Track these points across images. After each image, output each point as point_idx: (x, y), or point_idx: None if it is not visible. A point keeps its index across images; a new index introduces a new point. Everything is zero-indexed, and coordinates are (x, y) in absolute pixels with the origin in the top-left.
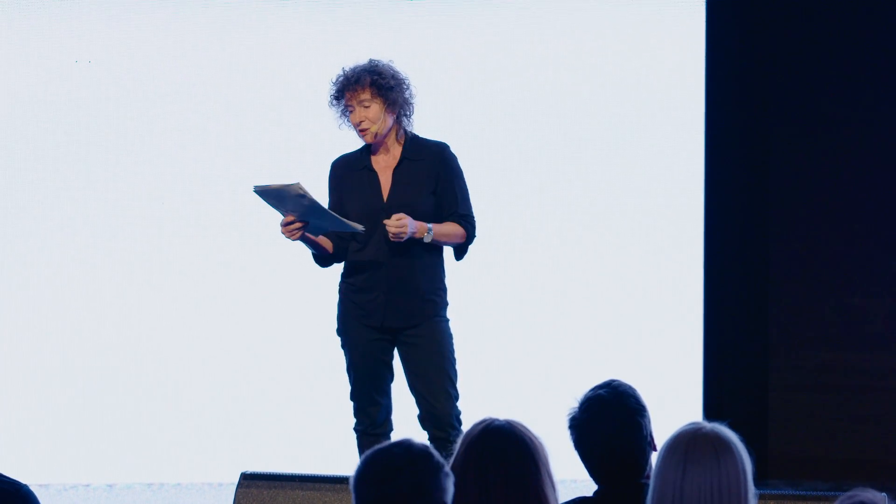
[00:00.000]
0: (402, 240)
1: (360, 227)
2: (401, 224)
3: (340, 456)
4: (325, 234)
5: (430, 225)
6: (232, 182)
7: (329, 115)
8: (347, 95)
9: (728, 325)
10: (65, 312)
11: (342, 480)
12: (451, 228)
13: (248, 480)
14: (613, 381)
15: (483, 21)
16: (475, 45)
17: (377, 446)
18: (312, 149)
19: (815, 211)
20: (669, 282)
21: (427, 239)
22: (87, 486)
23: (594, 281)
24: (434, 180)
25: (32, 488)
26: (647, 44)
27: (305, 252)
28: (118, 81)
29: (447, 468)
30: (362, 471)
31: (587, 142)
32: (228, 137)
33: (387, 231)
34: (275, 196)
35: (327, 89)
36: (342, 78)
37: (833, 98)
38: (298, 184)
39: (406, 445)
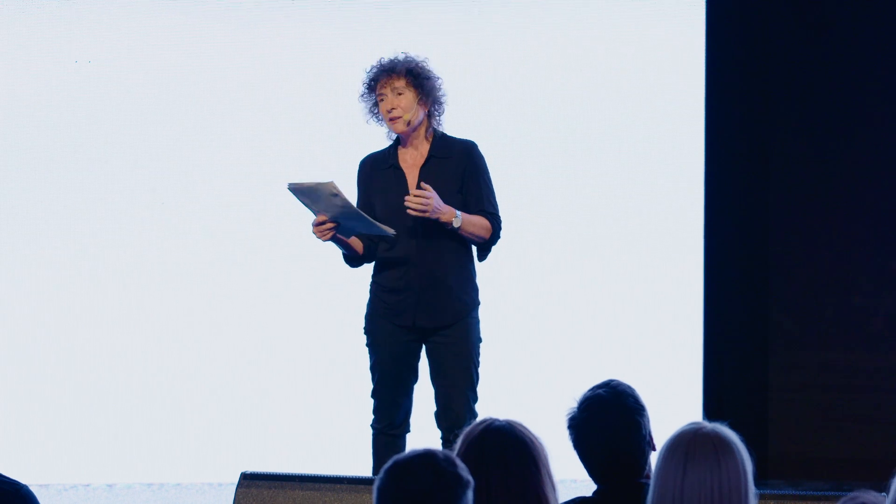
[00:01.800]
0: (427, 216)
1: (391, 230)
2: (425, 201)
3: (341, 456)
4: (357, 235)
5: (459, 211)
6: (232, 183)
7: (328, 115)
8: (381, 83)
9: (728, 325)
10: (65, 312)
11: (342, 480)
12: (480, 221)
13: (248, 480)
14: (612, 380)
15: (482, 21)
16: (474, 44)
17: (404, 458)
18: (313, 149)
19: (815, 211)
20: (669, 282)
21: (456, 224)
22: (87, 486)
23: (594, 281)
24: (461, 178)
25: (32, 488)
26: (647, 44)
27: (305, 253)
28: (118, 81)
29: (469, 479)
30: (388, 484)
31: (587, 142)
32: (229, 138)
33: (417, 228)
34: (308, 194)
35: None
36: (377, 66)
37: (833, 98)
38: (332, 182)
39: (433, 463)
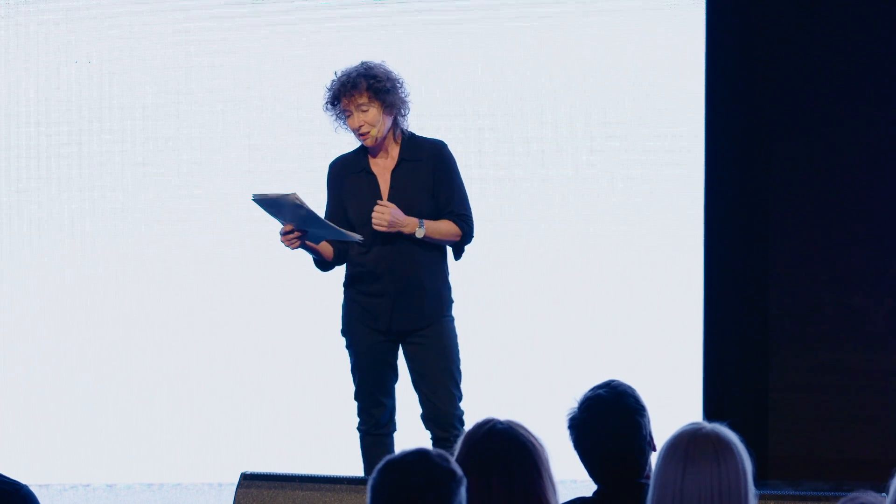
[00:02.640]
0: (390, 230)
1: (358, 236)
2: (380, 217)
3: (340, 456)
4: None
5: (421, 220)
6: (232, 183)
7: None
8: (344, 101)
9: (728, 325)
10: (65, 313)
11: (342, 480)
12: (446, 227)
13: (248, 480)
14: (613, 381)
15: (481, 21)
16: (473, 44)
17: (397, 457)
18: (314, 149)
19: (815, 211)
20: (669, 282)
21: (419, 234)
22: (87, 486)
23: (594, 281)
24: (431, 179)
25: (32, 488)
26: (647, 43)
27: (304, 254)
28: (118, 81)
29: (461, 475)
30: (382, 483)
31: (587, 141)
32: (229, 138)
33: (390, 232)
34: (273, 205)
35: (321, 94)
36: (336, 83)
37: (833, 98)
38: (295, 194)
39: (427, 459)
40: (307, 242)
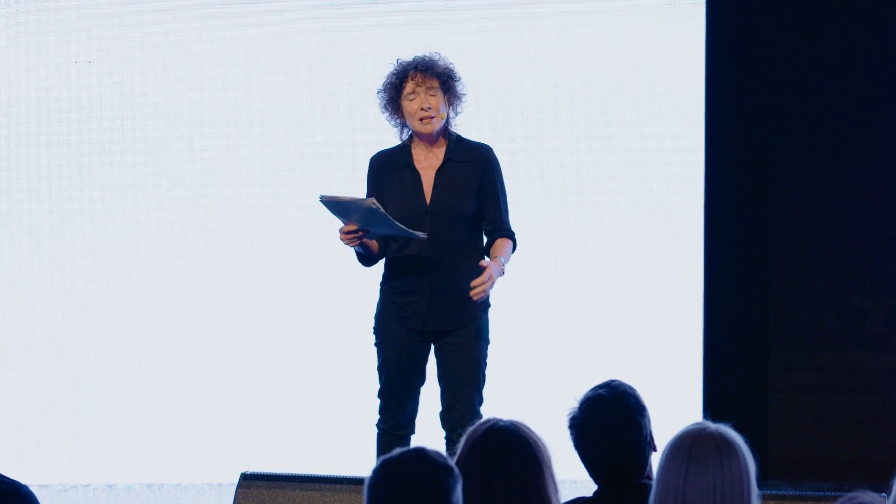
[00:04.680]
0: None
1: (423, 234)
2: (486, 288)
3: (341, 456)
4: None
5: (503, 261)
6: (232, 183)
7: (328, 116)
8: (413, 82)
9: (728, 325)
10: (65, 312)
11: (342, 481)
12: (508, 249)
13: (248, 480)
14: (613, 381)
15: (481, 21)
16: (473, 44)
17: (393, 456)
18: (314, 149)
19: (815, 211)
20: (669, 282)
21: (502, 275)
22: (87, 486)
23: (594, 281)
24: (478, 184)
25: (32, 488)
26: (647, 43)
27: (305, 253)
28: (118, 81)
29: (458, 472)
30: (379, 482)
31: (587, 141)
32: (229, 138)
33: (431, 230)
34: (341, 207)
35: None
36: (409, 62)
37: (833, 98)
38: (372, 199)
39: (424, 457)
40: (364, 240)
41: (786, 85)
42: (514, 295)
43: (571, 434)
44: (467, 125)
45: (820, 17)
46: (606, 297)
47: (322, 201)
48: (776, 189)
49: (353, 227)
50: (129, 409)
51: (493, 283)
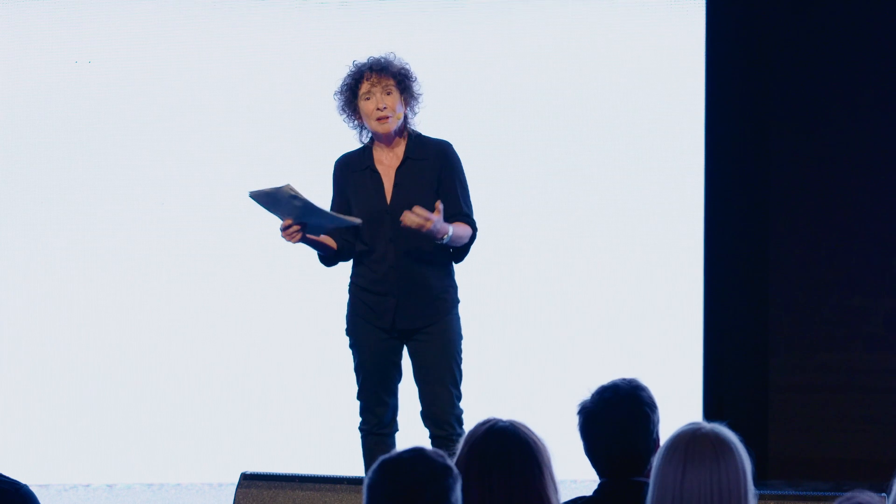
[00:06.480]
0: (421, 231)
1: (357, 220)
2: (422, 221)
3: (341, 456)
4: (327, 233)
5: (451, 228)
6: (232, 182)
7: (328, 115)
8: (368, 83)
9: (728, 325)
10: (65, 312)
11: (342, 480)
12: (463, 230)
13: (248, 480)
14: (632, 378)
15: (481, 21)
16: (473, 44)
17: (393, 455)
18: (314, 149)
19: (815, 211)
20: (669, 282)
21: (445, 240)
22: (87, 486)
23: (594, 280)
24: (437, 180)
25: (32, 488)
26: (647, 43)
27: (305, 252)
28: (118, 81)
29: (458, 472)
30: (379, 481)
31: (587, 141)
32: (229, 138)
33: (394, 230)
34: (269, 200)
35: (338, 79)
36: (364, 63)
37: (833, 97)
38: (289, 185)
39: (423, 457)
40: (308, 236)
41: (786, 85)
42: (513, 295)
43: (579, 418)
44: (468, 125)
45: (820, 17)
46: (606, 296)
47: (251, 197)
48: (776, 189)
49: (289, 222)
50: (129, 409)
51: (428, 229)
